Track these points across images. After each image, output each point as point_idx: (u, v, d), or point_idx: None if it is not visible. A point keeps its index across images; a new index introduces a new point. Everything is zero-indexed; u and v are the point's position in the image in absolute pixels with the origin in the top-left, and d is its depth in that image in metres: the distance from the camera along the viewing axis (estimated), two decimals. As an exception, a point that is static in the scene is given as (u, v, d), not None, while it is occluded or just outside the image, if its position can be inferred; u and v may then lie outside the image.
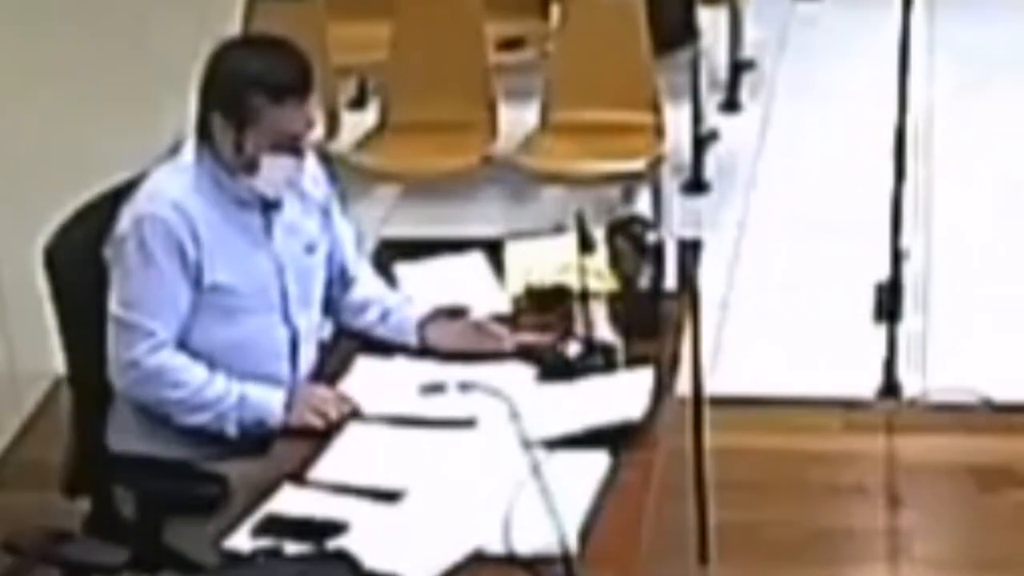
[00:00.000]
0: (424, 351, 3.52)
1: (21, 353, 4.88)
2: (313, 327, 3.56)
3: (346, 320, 3.65)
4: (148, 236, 3.30)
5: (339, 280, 3.63)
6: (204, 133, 3.37)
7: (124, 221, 3.34)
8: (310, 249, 3.52)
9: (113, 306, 3.34)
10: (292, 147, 3.32)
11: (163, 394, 3.34)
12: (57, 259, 3.43)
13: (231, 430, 3.35)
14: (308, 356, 3.53)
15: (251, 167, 3.32)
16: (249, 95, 3.27)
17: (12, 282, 4.72)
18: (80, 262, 3.41)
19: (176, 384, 3.33)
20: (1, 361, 4.86)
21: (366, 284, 3.67)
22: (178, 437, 3.38)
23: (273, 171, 3.33)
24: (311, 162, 3.53)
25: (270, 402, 3.35)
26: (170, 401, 3.35)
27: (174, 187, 3.35)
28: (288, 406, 3.34)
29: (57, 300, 3.45)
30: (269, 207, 3.42)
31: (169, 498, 3.35)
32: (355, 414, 3.32)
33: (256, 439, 3.31)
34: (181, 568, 3.26)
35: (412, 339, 3.55)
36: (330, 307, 3.63)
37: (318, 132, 5.50)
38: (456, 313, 3.59)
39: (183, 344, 3.37)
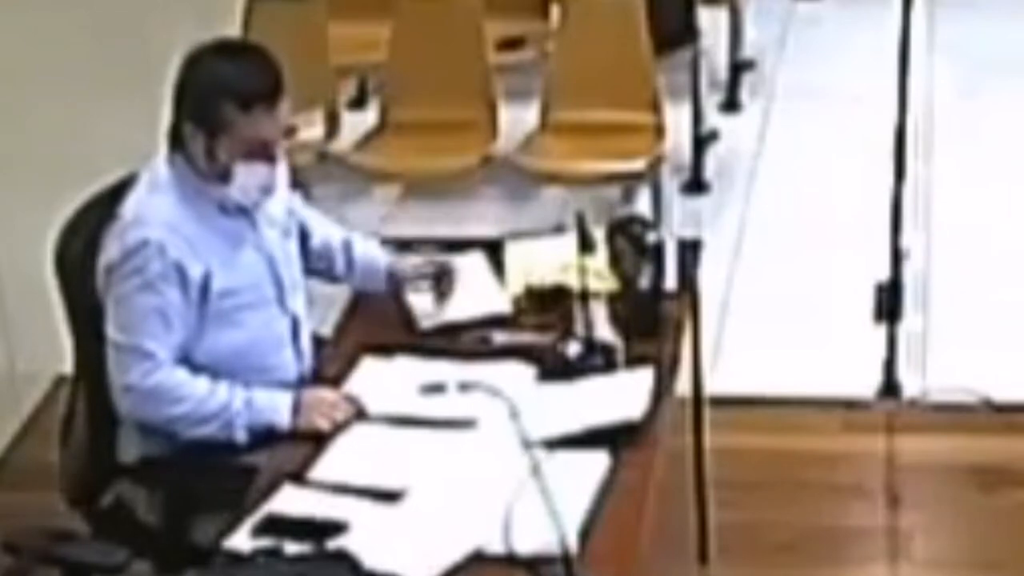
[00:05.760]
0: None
1: (21, 353, 4.87)
2: (305, 306, 3.57)
3: (313, 266, 3.68)
4: (143, 262, 3.26)
5: (322, 254, 3.69)
6: (176, 142, 3.35)
7: (113, 250, 3.30)
8: (287, 234, 3.53)
9: (110, 331, 3.31)
10: (265, 154, 3.30)
11: (165, 411, 3.31)
12: (66, 259, 3.43)
13: (240, 437, 3.32)
14: (307, 337, 3.56)
15: (225, 175, 3.31)
16: (219, 104, 3.24)
17: (12, 282, 4.72)
18: (84, 263, 3.39)
19: (178, 400, 3.30)
20: (1, 361, 4.86)
21: (319, 228, 3.71)
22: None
23: (247, 179, 3.31)
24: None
25: (276, 404, 3.33)
26: (174, 417, 3.32)
27: (161, 207, 3.32)
28: (296, 409, 3.33)
29: (67, 300, 3.45)
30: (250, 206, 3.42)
31: (197, 493, 3.33)
32: (361, 414, 3.32)
33: (266, 444, 3.30)
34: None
35: (381, 286, 3.67)
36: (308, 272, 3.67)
37: (316, 132, 5.57)
38: (439, 276, 3.67)
39: (188, 357, 3.34)
